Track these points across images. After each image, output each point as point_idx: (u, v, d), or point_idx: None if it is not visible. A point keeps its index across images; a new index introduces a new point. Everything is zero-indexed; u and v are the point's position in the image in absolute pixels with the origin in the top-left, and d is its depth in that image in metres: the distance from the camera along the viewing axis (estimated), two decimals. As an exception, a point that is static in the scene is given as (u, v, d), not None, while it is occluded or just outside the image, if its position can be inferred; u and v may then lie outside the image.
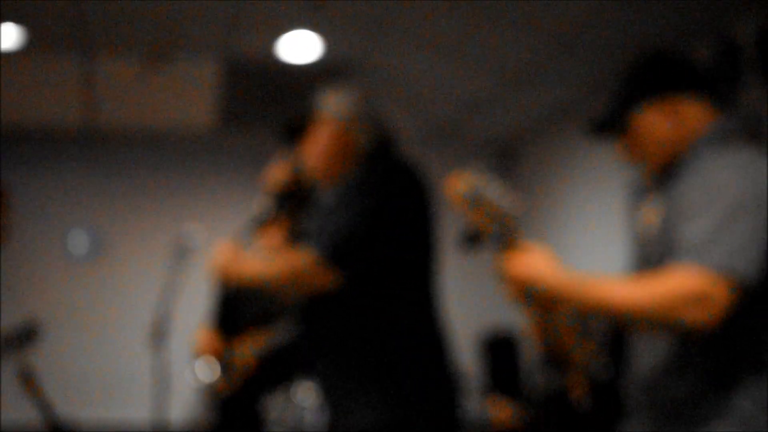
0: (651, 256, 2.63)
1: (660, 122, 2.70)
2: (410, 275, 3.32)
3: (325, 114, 3.48)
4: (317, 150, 3.47)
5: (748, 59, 4.75)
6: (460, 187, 2.30)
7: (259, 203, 3.62)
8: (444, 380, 3.32)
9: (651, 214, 2.72)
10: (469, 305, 7.54)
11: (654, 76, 2.74)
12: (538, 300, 2.42)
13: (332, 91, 3.56)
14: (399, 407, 3.22)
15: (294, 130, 3.57)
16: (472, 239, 2.36)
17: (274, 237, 4.02)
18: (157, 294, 5.80)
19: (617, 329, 2.77)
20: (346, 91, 3.55)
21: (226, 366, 6.05)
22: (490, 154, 7.68)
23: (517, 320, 7.34)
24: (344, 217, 3.22)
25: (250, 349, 5.93)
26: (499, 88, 6.07)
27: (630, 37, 4.89)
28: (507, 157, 7.75)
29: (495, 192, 2.34)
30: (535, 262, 2.40)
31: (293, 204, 3.64)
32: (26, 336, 5.64)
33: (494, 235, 2.35)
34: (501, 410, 5.26)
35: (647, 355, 2.64)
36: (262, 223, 3.63)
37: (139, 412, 6.68)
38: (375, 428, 3.22)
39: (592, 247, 6.41)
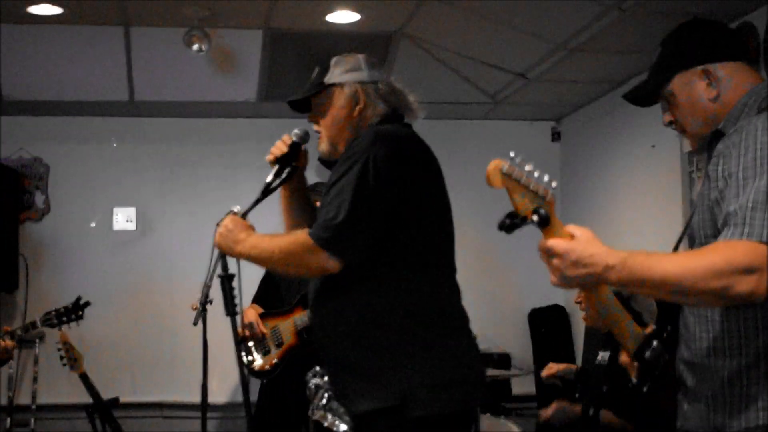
0: (700, 223, 2.60)
1: (698, 90, 2.70)
2: (413, 250, 3.28)
3: (342, 81, 3.48)
4: (332, 118, 3.49)
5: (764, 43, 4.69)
6: (500, 168, 2.26)
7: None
8: (457, 354, 3.30)
9: (701, 183, 2.72)
10: (519, 282, 7.52)
11: (691, 45, 2.73)
12: (582, 280, 2.38)
13: (341, 59, 3.55)
14: (411, 381, 3.21)
15: (307, 100, 3.58)
16: (512, 220, 2.32)
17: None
18: (202, 270, 5.81)
19: (668, 307, 2.75)
20: (356, 59, 3.54)
21: (270, 345, 6.07)
22: (537, 128, 7.63)
23: (568, 294, 7.37)
24: (336, 198, 3.21)
25: (294, 327, 5.95)
26: (546, 59, 5.99)
27: (682, 4, 4.79)
28: (554, 131, 7.70)
29: (532, 174, 2.30)
30: (576, 243, 2.36)
31: (291, 171, 3.63)
32: (75, 310, 5.69)
33: (533, 215, 2.30)
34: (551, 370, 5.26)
35: (697, 336, 2.62)
36: (266, 193, 3.68)
37: (184, 390, 6.72)
38: (384, 409, 3.22)
39: (639, 225, 6.35)
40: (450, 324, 3.34)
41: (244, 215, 3.60)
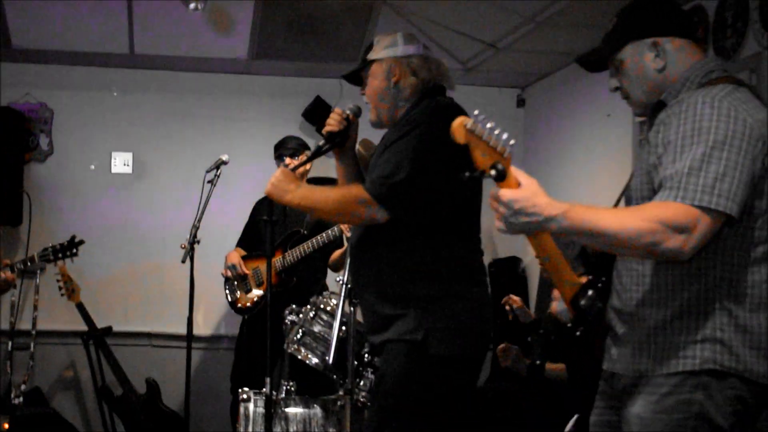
0: (638, 185, 2.65)
1: (647, 60, 2.73)
2: (449, 213, 3.45)
3: (380, 57, 3.64)
4: (373, 90, 3.65)
5: (754, 10, 4.69)
6: (464, 125, 2.30)
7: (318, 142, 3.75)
8: (475, 307, 3.47)
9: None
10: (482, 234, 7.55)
11: (645, 18, 2.78)
12: (525, 227, 2.42)
13: (383, 37, 3.70)
14: (435, 323, 3.38)
15: (357, 73, 3.75)
16: (472, 173, 2.36)
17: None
18: (191, 213, 5.84)
19: (603, 259, 2.79)
20: (394, 36, 3.68)
21: (251, 284, 6.11)
22: (504, 95, 7.64)
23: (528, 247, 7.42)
24: (394, 157, 3.37)
25: (273, 268, 5.99)
26: (515, 31, 6.00)
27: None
28: (520, 98, 7.71)
29: (492, 131, 2.33)
30: (523, 191, 2.39)
31: (339, 143, 3.71)
32: (70, 248, 5.71)
33: (491, 169, 2.34)
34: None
35: (628, 287, 2.66)
36: (314, 156, 3.77)
37: (172, 322, 6.75)
38: (407, 341, 3.38)
39: (592, 185, 6.40)
40: (472, 279, 3.51)
41: (293, 170, 3.73)
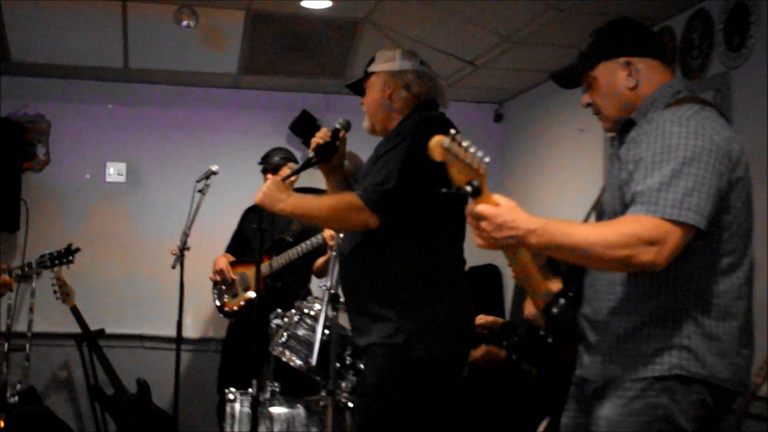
0: (609, 200, 2.65)
1: (619, 78, 2.73)
2: (435, 223, 3.48)
3: (377, 70, 3.70)
4: (370, 101, 3.71)
5: (719, 32, 4.70)
6: (441, 143, 2.29)
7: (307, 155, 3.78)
8: (455, 311, 3.50)
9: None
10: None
11: (618, 38, 2.78)
12: (505, 242, 2.41)
13: (383, 52, 3.76)
14: (415, 326, 3.41)
15: (357, 85, 3.80)
16: (449, 189, 2.37)
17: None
18: (182, 221, 5.82)
19: (574, 270, 2.78)
20: (393, 52, 3.74)
21: (238, 289, 6.09)
22: (482, 110, 7.63)
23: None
24: (385, 167, 3.41)
25: (259, 274, 5.96)
26: (493, 49, 6.00)
27: (614, 6, 4.82)
28: (497, 113, 7.70)
29: (468, 149, 2.33)
30: (501, 208, 2.39)
31: (327, 155, 3.73)
32: (66, 255, 5.68)
33: (467, 185, 2.33)
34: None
35: (599, 296, 2.66)
36: (304, 167, 3.79)
37: (163, 324, 6.72)
38: (389, 345, 3.41)
39: (565, 197, 6.40)
40: (453, 286, 3.53)
41: (283, 180, 3.72)
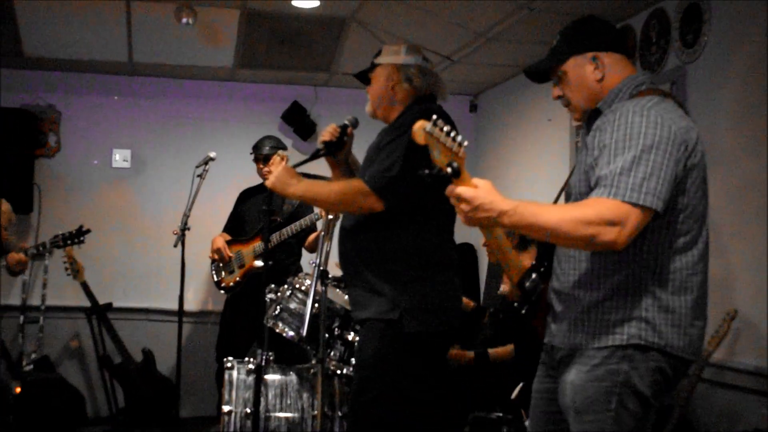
0: (576, 183, 2.65)
1: (587, 72, 2.73)
2: (431, 208, 3.48)
3: (383, 62, 3.70)
4: (374, 90, 3.71)
5: (675, 30, 4.70)
6: (424, 128, 2.29)
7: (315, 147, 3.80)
8: (444, 289, 3.52)
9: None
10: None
11: (585, 35, 2.77)
12: (482, 221, 2.42)
13: (388, 45, 3.76)
14: (409, 303, 3.42)
15: (363, 75, 3.79)
16: (430, 171, 2.36)
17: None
18: (183, 203, 5.81)
19: (546, 247, 2.79)
20: (400, 45, 3.73)
21: (234, 266, 6.08)
22: (458, 101, 7.62)
23: (478, 234, 7.44)
24: (388, 156, 3.43)
25: (253, 253, 5.96)
26: (469, 45, 5.99)
27: (581, 4, 4.81)
28: (472, 104, 7.70)
29: (449, 134, 2.34)
30: (479, 190, 2.40)
31: (335, 148, 3.73)
32: (78, 235, 5.66)
33: (447, 167, 2.33)
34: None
35: (566, 271, 2.66)
36: (313, 158, 3.75)
37: (166, 298, 6.71)
38: (384, 320, 3.43)
39: (535, 182, 6.41)
40: (443, 265, 3.55)
41: (294, 167, 3.70)
